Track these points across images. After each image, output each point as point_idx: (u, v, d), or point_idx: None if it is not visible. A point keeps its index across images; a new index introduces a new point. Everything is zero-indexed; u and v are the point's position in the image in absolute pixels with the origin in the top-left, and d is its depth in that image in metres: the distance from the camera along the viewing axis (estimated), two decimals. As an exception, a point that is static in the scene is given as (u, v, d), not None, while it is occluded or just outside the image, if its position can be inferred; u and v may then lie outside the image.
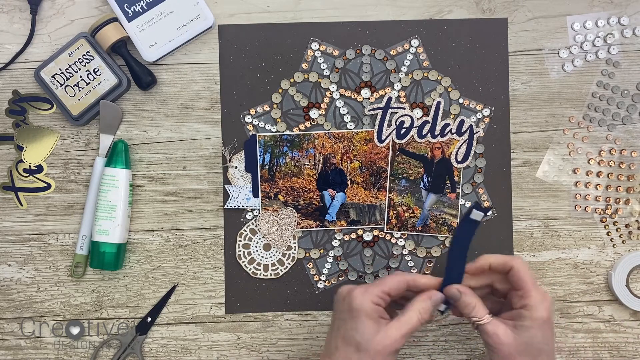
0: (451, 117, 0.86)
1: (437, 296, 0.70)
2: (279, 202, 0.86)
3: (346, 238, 0.86)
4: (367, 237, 0.86)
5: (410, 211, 0.86)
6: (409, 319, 0.67)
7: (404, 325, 0.67)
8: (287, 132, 0.86)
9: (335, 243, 0.86)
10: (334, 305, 0.72)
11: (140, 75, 0.84)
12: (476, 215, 0.70)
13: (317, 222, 0.86)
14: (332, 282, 0.86)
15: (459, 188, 0.86)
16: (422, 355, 0.86)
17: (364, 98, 0.85)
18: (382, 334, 0.66)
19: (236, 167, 0.86)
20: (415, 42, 0.85)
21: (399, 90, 0.85)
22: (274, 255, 0.86)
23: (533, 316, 0.66)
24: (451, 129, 0.85)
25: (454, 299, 0.70)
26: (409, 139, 0.85)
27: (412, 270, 0.86)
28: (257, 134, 0.86)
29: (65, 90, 0.84)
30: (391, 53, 0.85)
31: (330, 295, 0.83)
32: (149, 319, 0.86)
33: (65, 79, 0.83)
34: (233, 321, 0.86)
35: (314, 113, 0.86)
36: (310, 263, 0.86)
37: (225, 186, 0.86)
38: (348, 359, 0.66)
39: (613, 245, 0.86)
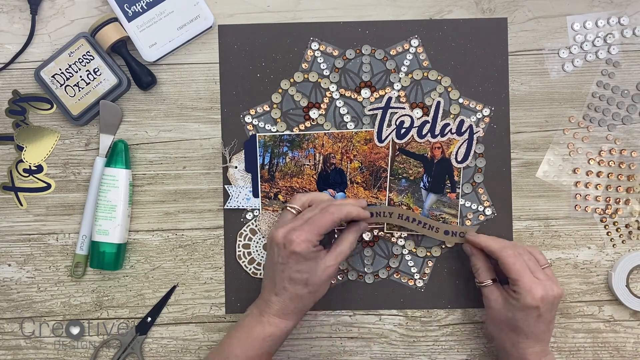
0: (451, 117, 0.86)
1: (364, 226, 0.81)
2: (279, 202, 0.86)
3: (346, 238, 0.86)
4: (367, 237, 0.86)
5: (410, 211, 0.86)
6: (343, 250, 0.78)
7: (339, 255, 0.77)
8: (287, 132, 0.86)
9: (334, 241, 0.86)
10: (271, 251, 0.77)
11: (140, 75, 0.84)
12: None
13: (317, 222, 0.86)
14: (332, 282, 0.86)
15: (459, 188, 0.86)
16: (422, 355, 0.86)
17: (364, 98, 0.85)
18: (322, 267, 0.76)
19: (236, 167, 0.86)
20: (415, 42, 0.85)
21: (398, 90, 0.85)
22: (274, 255, 0.86)
23: (519, 300, 0.76)
24: (451, 128, 0.85)
25: (467, 253, 0.83)
26: (409, 138, 0.85)
27: (412, 270, 0.86)
28: (257, 134, 0.86)
29: (65, 90, 0.84)
30: (391, 53, 0.85)
31: (331, 296, 0.83)
32: (149, 319, 0.86)
33: (65, 79, 0.83)
34: (233, 321, 0.86)
35: (314, 113, 0.86)
36: (310, 263, 0.86)
37: (225, 186, 0.86)
38: (298, 294, 0.76)
39: (613, 245, 0.86)
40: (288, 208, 0.79)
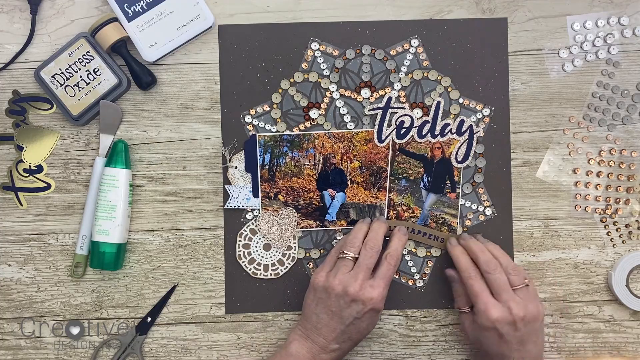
0: (451, 117, 0.86)
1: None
2: (279, 202, 0.86)
3: (346, 238, 0.86)
4: (367, 237, 0.86)
5: (410, 211, 0.86)
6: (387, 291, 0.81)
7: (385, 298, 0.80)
8: (287, 132, 0.86)
9: (336, 243, 0.86)
10: (336, 301, 0.77)
11: (140, 75, 0.84)
12: None
13: (317, 222, 0.86)
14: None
15: (459, 188, 0.86)
16: (422, 355, 0.86)
17: (364, 98, 0.85)
18: (380, 315, 0.81)
19: (236, 167, 0.86)
20: (415, 42, 0.85)
21: (399, 90, 0.85)
22: (274, 255, 0.86)
23: (477, 321, 0.78)
24: (451, 128, 0.85)
25: (449, 280, 0.84)
26: (409, 138, 0.85)
27: (412, 270, 0.86)
28: (257, 134, 0.86)
29: (65, 90, 0.84)
30: (391, 53, 0.85)
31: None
32: (149, 319, 0.86)
33: (65, 79, 0.83)
34: (233, 321, 0.86)
35: (314, 113, 0.86)
36: (310, 263, 0.86)
37: (225, 186, 0.86)
38: (359, 340, 0.80)
39: (613, 245, 0.86)
40: (345, 257, 0.79)
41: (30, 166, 0.86)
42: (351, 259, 0.79)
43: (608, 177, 0.86)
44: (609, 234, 0.86)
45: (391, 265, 0.79)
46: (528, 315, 0.76)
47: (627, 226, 0.86)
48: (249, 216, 0.86)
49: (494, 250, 0.81)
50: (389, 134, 0.85)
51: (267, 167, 0.86)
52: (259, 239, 0.86)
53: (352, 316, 0.77)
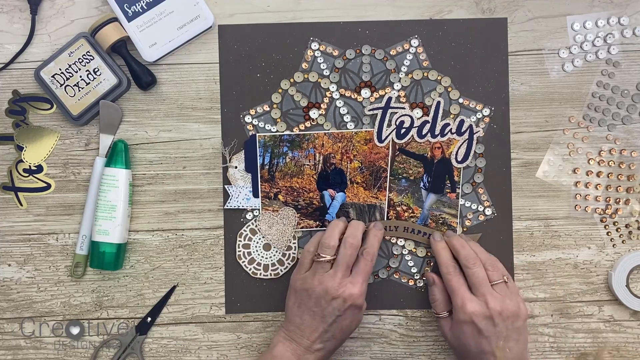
0: (451, 117, 0.86)
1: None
2: (279, 202, 0.86)
3: (346, 238, 0.86)
4: (367, 237, 0.86)
5: (410, 211, 0.86)
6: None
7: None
8: (287, 132, 0.86)
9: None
10: (317, 301, 0.78)
11: (140, 75, 0.84)
12: None
13: (317, 222, 0.86)
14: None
15: (459, 188, 0.86)
16: (422, 355, 0.86)
17: (364, 98, 0.85)
18: (363, 311, 0.80)
19: (236, 167, 0.86)
20: (415, 42, 0.85)
21: (398, 90, 0.85)
22: (274, 255, 0.86)
23: (454, 318, 0.79)
24: (451, 128, 0.85)
25: (427, 284, 0.85)
26: (409, 138, 0.85)
27: (412, 270, 0.86)
28: (257, 134, 0.86)
29: (65, 90, 0.84)
30: (391, 53, 0.85)
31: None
32: (149, 319, 0.86)
33: (65, 79, 0.83)
34: (233, 321, 0.86)
35: (314, 113, 0.86)
36: (310, 263, 0.86)
37: (225, 186, 0.86)
38: (343, 339, 0.80)
39: (613, 245, 0.86)
40: (322, 260, 0.79)
41: (30, 166, 0.86)
42: (328, 261, 0.79)
43: (608, 177, 0.86)
44: (609, 234, 0.86)
45: (368, 261, 0.80)
46: (505, 311, 0.76)
47: (627, 226, 0.86)
48: (249, 216, 0.86)
49: (474, 247, 0.82)
50: (389, 134, 0.85)
51: (267, 167, 0.86)
52: (259, 239, 0.86)
53: (334, 314, 0.77)
